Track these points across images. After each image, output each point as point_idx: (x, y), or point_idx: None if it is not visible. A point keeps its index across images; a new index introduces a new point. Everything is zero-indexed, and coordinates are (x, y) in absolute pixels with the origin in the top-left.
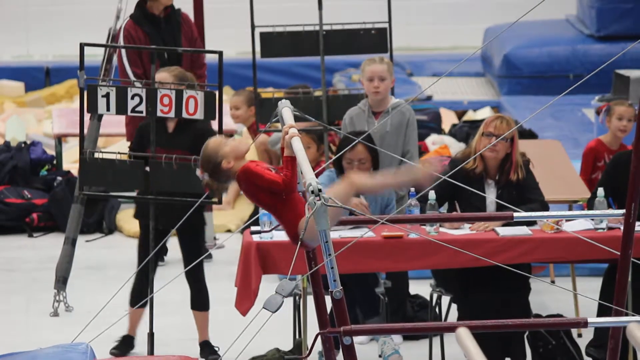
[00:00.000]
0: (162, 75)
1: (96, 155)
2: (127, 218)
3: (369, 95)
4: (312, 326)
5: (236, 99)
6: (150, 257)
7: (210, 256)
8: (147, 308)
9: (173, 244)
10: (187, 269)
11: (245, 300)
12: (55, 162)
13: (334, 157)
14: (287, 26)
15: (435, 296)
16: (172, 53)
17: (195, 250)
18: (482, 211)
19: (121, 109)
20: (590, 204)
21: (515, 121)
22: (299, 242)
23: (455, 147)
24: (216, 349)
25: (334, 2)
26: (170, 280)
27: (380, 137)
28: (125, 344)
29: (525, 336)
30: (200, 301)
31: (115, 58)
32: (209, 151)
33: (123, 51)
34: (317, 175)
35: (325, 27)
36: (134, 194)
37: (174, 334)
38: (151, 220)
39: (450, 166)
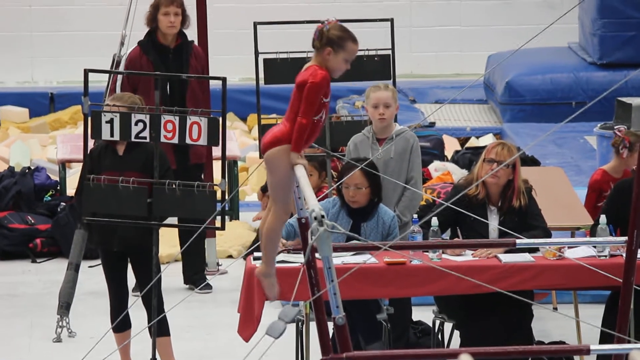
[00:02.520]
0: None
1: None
2: None
3: (373, 121)
4: (315, 352)
5: None
6: (153, 283)
7: (209, 287)
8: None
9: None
10: (142, 293)
11: (248, 326)
12: (59, 187)
13: (335, 185)
14: (290, 52)
15: (437, 322)
16: (176, 83)
17: (148, 274)
18: (484, 238)
19: (125, 134)
20: (592, 231)
21: (518, 148)
22: None
23: (458, 173)
24: None
25: None
26: (173, 307)
27: (384, 164)
28: None
29: None
30: (160, 325)
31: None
32: None
33: (119, 77)
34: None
35: None
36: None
37: (178, 359)
38: (154, 246)
39: (453, 192)
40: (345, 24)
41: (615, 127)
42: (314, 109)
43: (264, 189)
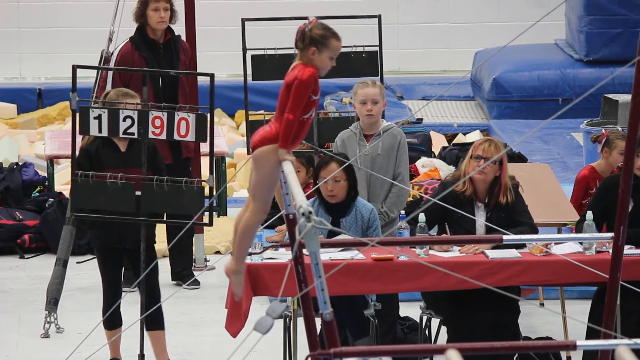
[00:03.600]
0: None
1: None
2: None
3: (361, 118)
4: (303, 348)
5: None
6: (141, 279)
7: (197, 282)
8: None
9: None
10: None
11: (235, 321)
12: (47, 183)
13: (317, 185)
14: (278, 49)
15: (425, 318)
16: (167, 78)
17: (154, 269)
18: (471, 234)
19: (113, 130)
20: (579, 227)
21: (505, 144)
22: None
23: (445, 170)
24: None
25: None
26: (163, 301)
27: (372, 160)
28: None
29: (514, 359)
30: (156, 319)
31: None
32: None
33: (110, 73)
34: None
35: None
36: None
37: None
38: (142, 242)
39: (440, 189)
40: (332, 21)
41: (606, 128)
42: (302, 105)
43: None
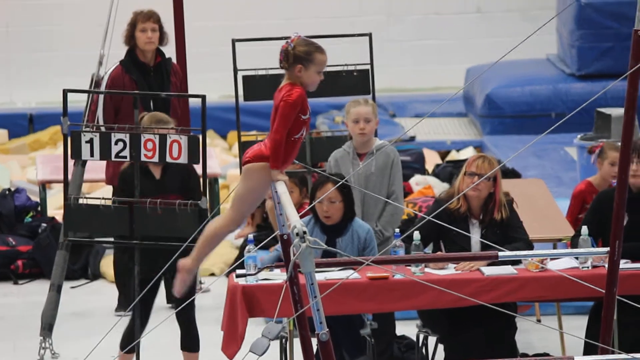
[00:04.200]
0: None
1: (80, 201)
2: (110, 263)
3: (354, 136)
4: None
5: None
6: (135, 303)
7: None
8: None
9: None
10: (178, 309)
11: (232, 343)
12: (39, 208)
13: (311, 200)
14: (269, 69)
15: (421, 336)
16: (158, 101)
17: (187, 292)
18: (466, 251)
19: (105, 154)
20: (574, 242)
21: (498, 160)
22: None
23: (439, 187)
24: None
25: None
26: (159, 323)
27: (365, 179)
28: None
29: None
30: (191, 342)
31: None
32: None
33: (101, 97)
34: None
35: None
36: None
37: None
38: (136, 265)
39: (435, 206)
40: (323, 40)
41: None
42: (288, 125)
43: None
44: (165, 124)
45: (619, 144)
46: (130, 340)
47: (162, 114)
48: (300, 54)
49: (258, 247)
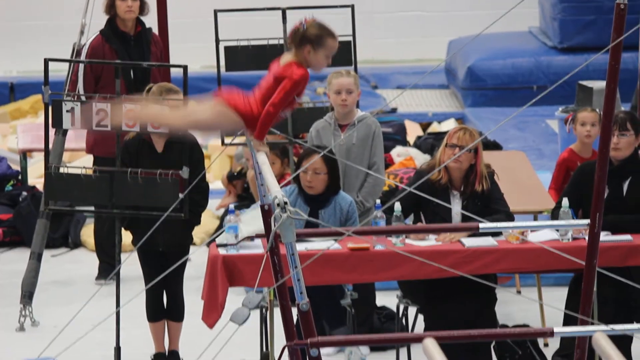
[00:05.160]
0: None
1: (61, 170)
2: (91, 232)
3: (335, 108)
4: (279, 338)
5: None
6: (117, 270)
7: None
8: (164, 323)
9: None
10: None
11: (212, 313)
12: (20, 177)
13: (296, 170)
14: (251, 40)
15: (402, 307)
16: (139, 70)
17: (180, 267)
18: (447, 222)
19: (86, 123)
20: (554, 214)
21: (480, 132)
22: None
23: (420, 158)
24: (182, 359)
25: (297, 15)
26: (142, 290)
27: (347, 150)
28: None
29: (492, 346)
30: (177, 312)
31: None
32: None
33: (81, 66)
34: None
35: None
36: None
37: (143, 348)
38: (116, 235)
39: (416, 178)
40: (305, 11)
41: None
42: (286, 102)
43: (229, 177)
44: (176, 94)
45: (589, 107)
46: (151, 310)
47: (170, 84)
48: (311, 36)
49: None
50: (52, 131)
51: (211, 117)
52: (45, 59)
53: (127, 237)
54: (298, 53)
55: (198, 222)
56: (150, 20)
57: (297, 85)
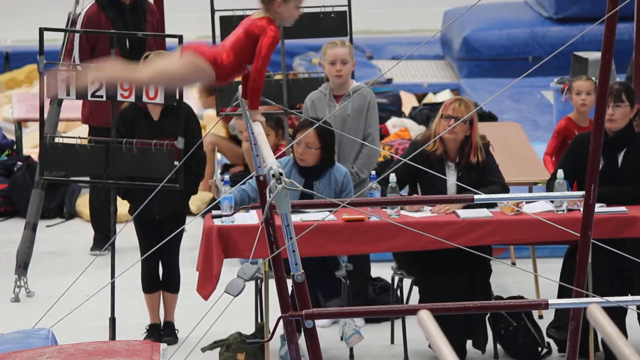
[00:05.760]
0: None
1: (56, 140)
2: (86, 203)
3: (330, 78)
4: (274, 310)
5: None
6: (112, 240)
7: None
8: (160, 293)
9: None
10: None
11: (207, 284)
12: (15, 147)
13: (290, 144)
14: (246, 10)
15: (396, 279)
16: (134, 40)
17: (176, 238)
18: (442, 193)
19: (81, 93)
20: (549, 185)
21: (475, 103)
22: None
23: (416, 129)
24: (176, 331)
25: None
26: (137, 261)
27: (342, 121)
28: (153, 333)
29: (486, 318)
30: (172, 283)
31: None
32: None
33: (77, 36)
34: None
35: None
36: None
37: (138, 318)
38: (112, 205)
39: (411, 149)
40: None
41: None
42: (267, 64)
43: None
44: None
45: (584, 76)
46: (147, 281)
47: (167, 52)
48: None
49: (235, 186)
50: (47, 101)
51: (180, 68)
52: (40, 29)
53: (122, 207)
54: (269, 8)
55: (195, 191)
56: None
57: (275, 43)
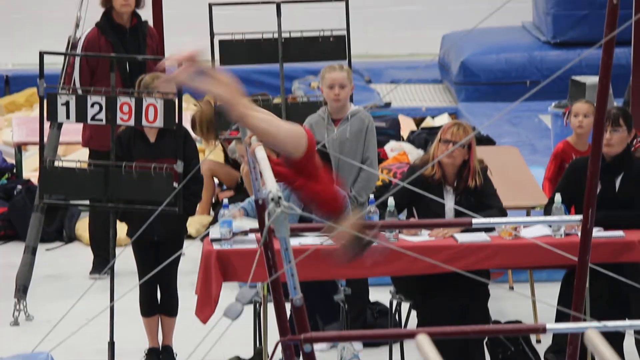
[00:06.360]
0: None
1: (56, 163)
2: (86, 226)
3: (328, 102)
4: (273, 333)
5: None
6: (112, 264)
7: None
8: (157, 317)
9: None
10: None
11: (205, 307)
12: (15, 170)
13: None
14: (246, 34)
15: (395, 303)
16: (134, 63)
17: (174, 261)
18: (440, 218)
19: (81, 117)
20: (547, 210)
21: (473, 127)
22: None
23: (414, 153)
24: (175, 354)
25: (292, 9)
26: (136, 285)
27: (340, 144)
28: (152, 356)
29: (484, 342)
30: (170, 307)
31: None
32: None
33: (77, 59)
34: None
35: (283, 35)
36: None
37: (137, 342)
38: (111, 229)
39: (409, 173)
40: (299, 5)
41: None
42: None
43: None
44: None
45: (584, 99)
46: (145, 305)
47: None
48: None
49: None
50: (47, 124)
51: (286, 132)
52: (40, 52)
53: (121, 231)
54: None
55: (193, 213)
56: (146, 13)
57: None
